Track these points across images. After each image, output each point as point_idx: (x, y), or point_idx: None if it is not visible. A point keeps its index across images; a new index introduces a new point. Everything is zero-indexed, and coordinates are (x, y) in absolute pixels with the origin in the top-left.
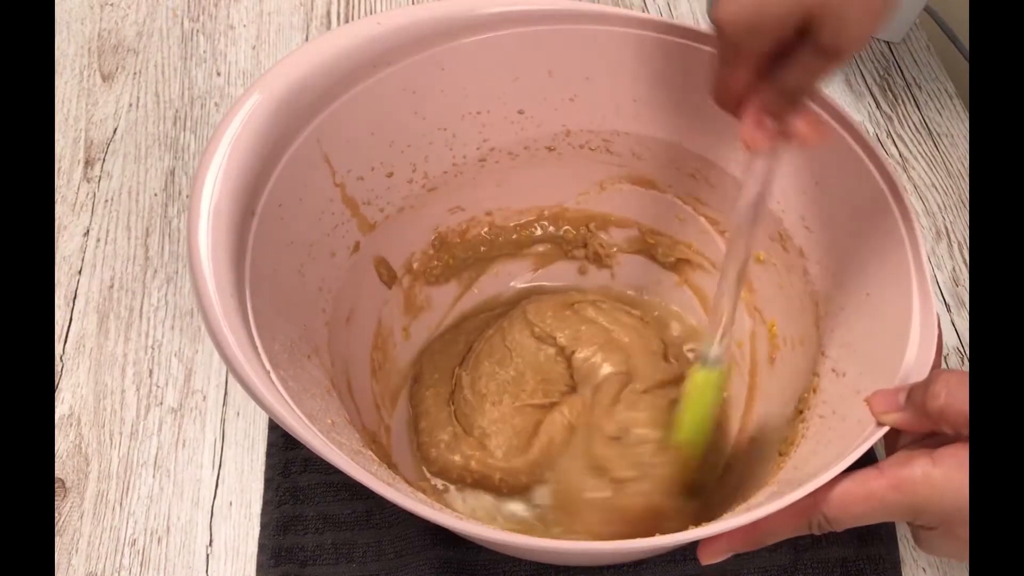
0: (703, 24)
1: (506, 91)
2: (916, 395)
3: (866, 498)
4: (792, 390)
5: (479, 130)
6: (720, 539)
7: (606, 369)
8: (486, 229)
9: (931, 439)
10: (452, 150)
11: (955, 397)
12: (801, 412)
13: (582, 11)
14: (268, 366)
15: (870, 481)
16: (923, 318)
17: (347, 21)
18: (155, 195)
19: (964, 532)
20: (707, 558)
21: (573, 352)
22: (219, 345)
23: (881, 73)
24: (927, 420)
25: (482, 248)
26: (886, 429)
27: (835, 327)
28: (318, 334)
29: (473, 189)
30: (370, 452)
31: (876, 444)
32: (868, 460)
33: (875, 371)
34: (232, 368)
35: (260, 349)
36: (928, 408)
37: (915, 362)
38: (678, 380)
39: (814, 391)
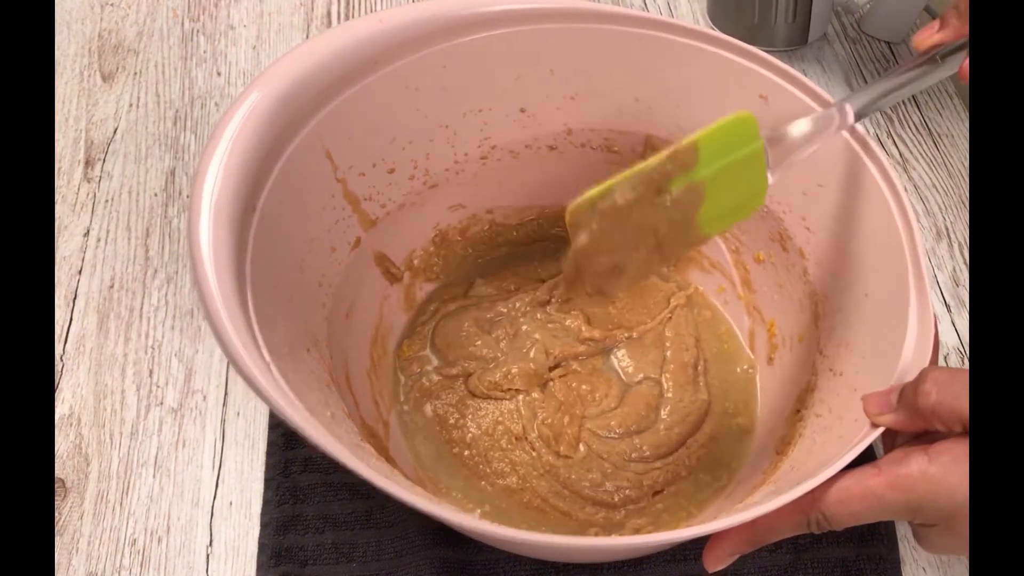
0: (703, 24)
1: (508, 89)
2: (907, 395)
3: (864, 496)
4: (790, 389)
5: (480, 128)
6: (722, 543)
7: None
8: (487, 227)
9: (927, 436)
10: (453, 147)
11: (945, 394)
12: (799, 411)
13: (583, 10)
14: (268, 358)
15: (868, 479)
16: (920, 318)
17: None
18: (155, 195)
19: (963, 527)
20: (713, 565)
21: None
22: (220, 337)
23: (881, 73)
24: (919, 419)
25: (482, 246)
26: (881, 430)
27: (833, 327)
28: (318, 328)
29: (474, 187)
30: (369, 446)
31: (875, 441)
32: (867, 458)
33: (872, 370)
34: (233, 360)
35: (260, 342)
36: (919, 407)
37: (912, 362)
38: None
39: (812, 390)
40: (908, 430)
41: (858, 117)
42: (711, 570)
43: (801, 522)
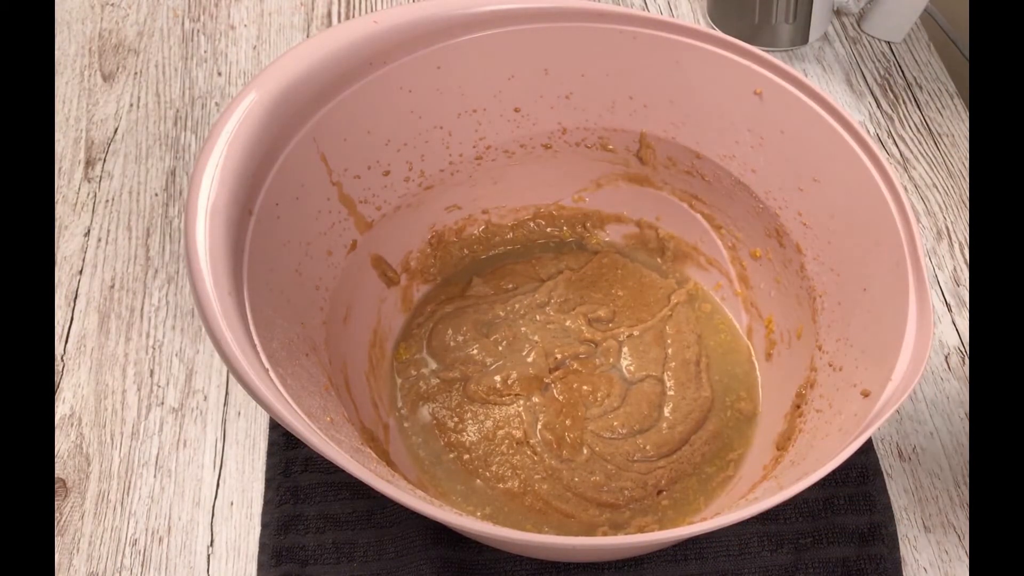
0: (704, 24)
1: (502, 89)
2: None
3: None
4: (790, 385)
5: (475, 128)
6: None
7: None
8: (483, 228)
9: None
10: (448, 148)
11: None
12: (799, 407)
13: (577, 9)
14: (267, 364)
15: None
16: (919, 312)
17: None
18: (156, 195)
19: None
20: None
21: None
22: (218, 344)
23: (882, 73)
24: None
25: (479, 247)
26: (882, 421)
27: (832, 322)
28: (316, 332)
29: (470, 188)
30: (369, 450)
31: (874, 437)
32: (867, 452)
33: (871, 365)
34: (231, 367)
35: (259, 348)
36: None
37: (911, 356)
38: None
39: (811, 386)
40: None
41: None
42: None
43: None
